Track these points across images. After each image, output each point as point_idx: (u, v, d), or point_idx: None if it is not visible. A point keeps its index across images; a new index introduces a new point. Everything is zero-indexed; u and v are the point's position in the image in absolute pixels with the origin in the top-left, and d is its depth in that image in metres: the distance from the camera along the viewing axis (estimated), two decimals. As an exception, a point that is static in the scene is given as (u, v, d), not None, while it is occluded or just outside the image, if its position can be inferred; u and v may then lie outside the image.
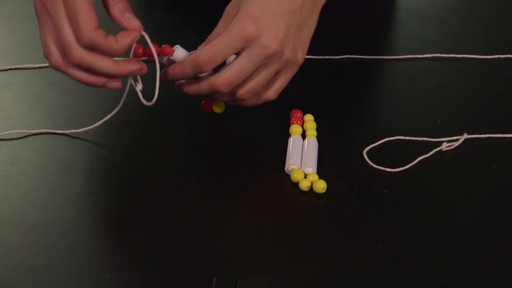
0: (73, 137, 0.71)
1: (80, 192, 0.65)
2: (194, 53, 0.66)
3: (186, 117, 0.74)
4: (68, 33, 0.61)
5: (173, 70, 0.66)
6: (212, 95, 0.67)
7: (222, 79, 0.64)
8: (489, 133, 0.70)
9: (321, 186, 0.64)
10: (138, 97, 0.66)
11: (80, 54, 0.61)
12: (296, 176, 0.65)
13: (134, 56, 0.64)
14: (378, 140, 0.69)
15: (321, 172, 0.66)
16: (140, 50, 0.65)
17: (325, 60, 0.83)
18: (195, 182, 0.66)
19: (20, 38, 0.88)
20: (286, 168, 0.66)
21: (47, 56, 0.64)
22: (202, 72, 0.65)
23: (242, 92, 0.66)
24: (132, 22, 0.64)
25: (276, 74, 0.66)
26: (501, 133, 0.70)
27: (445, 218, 0.62)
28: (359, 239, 0.60)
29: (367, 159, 0.67)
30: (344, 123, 0.73)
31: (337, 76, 0.81)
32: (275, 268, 0.58)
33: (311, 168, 0.66)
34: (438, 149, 0.68)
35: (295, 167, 0.66)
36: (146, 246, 0.60)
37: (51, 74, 0.81)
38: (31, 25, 0.90)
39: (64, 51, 0.62)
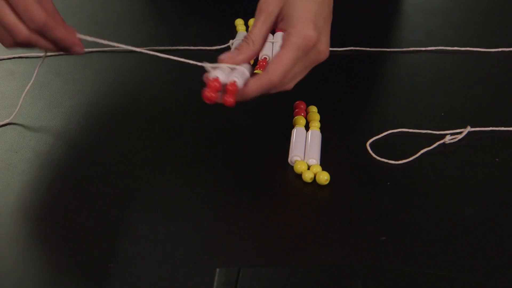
0: (76, 128, 0.71)
1: (84, 181, 0.65)
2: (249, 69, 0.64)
3: (190, 108, 0.74)
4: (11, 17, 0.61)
5: (243, 95, 0.62)
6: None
7: (278, 78, 0.62)
8: (492, 126, 0.70)
9: (324, 177, 0.64)
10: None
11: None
12: (299, 167, 0.65)
13: (209, 90, 0.61)
14: (382, 132, 0.70)
15: (324, 163, 0.66)
16: (217, 84, 0.61)
17: (329, 52, 0.82)
18: (199, 173, 0.66)
19: (24, 27, 0.88)
20: (290, 159, 0.66)
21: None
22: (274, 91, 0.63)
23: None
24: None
25: None
26: (505, 126, 0.70)
27: (448, 210, 0.62)
28: (362, 230, 0.60)
29: (370, 151, 0.67)
30: (348, 115, 0.73)
31: (341, 68, 0.81)
32: (278, 258, 0.58)
33: (314, 159, 0.66)
34: (442, 141, 0.68)
35: (298, 159, 0.66)
36: (149, 236, 0.60)
37: (55, 63, 0.81)
38: (34, 14, 0.90)
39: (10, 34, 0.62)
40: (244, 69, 0.63)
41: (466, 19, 0.92)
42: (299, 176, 0.65)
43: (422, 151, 0.67)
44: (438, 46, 0.83)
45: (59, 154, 0.68)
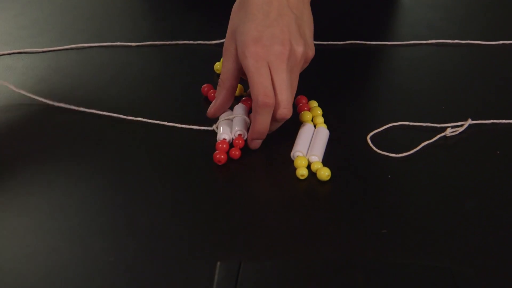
0: (78, 123, 0.71)
1: (84, 176, 0.65)
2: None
3: (190, 102, 0.74)
4: None
5: (257, 133, 0.66)
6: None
7: (288, 108, 0.65)
8: (493, 119, 0.70)
9: (325, 173, 0.64)
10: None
11: None
12: (298, 163, 0.65)
13: (219, 152, 0.66)
14: (382, 126, 0.69)
15: (325, 157, 0.66)
16: (225, 145, 0.67)
17: (329, 45, 0.82)
18: (200, 167, 0.66)
19: (23, 23, 0.88)
20: (292, 154, 0.66)
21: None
22: (273, 107, 0.65)
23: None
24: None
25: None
26: (506, 119, 0.70)
27: (449, 203, 0.62)
28: (363, 224, 0.60)
29: (371, 145, 0.67)
30: (348, 109, 0.73)
31: (341, 62, 0.81)
32: (279, 253, 0.58)
33: (316, 156, 0.65)
34: (442, 134, 0.68)
35: (300, 154, 0.66)
36: (150, 230, 0.60)
37: (54, 59, 0.81)
38: (34, 10, 0.90)
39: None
40: (243, 116, 0.68)
41: (467, 12, 0.91)
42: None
43: (422, 144, 0.67)
44: (439, 39, 0.83)
45: (59, 150, 0.68)
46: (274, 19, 0.65)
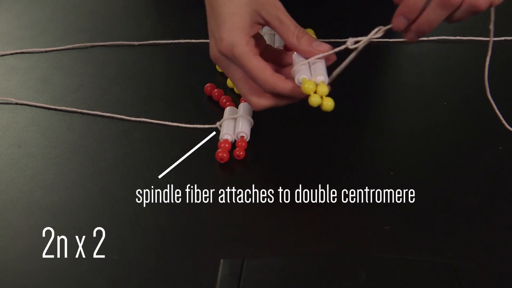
0: (80, 120, 0.71)
1: (87, 175, 0.65)
2: None
3: (192, 100, 0.74)
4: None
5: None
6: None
7: None
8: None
9: (328, 103, 0.59)
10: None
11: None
12: (308, 87, 0.59)
13: (221, 151, 0.66)
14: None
15: (326, 158, 0.66)
16: (227, 145, 0.67)
17: (329, 43, 0.82)
18: (201, 164, 0.66)
19: (26, 22, 0.88)
20: (297, 79, 0.60)
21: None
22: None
23: None
24: (322, 47, 0.63)
25: None
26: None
27: (452, 199, 0.62)
28: (365, 220, 0.60)
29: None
30: (348, 107, 0.73)
31: (342, 59, 0.80)
32: (281, 249, 0.58)
33: (322, 76, 0.60)
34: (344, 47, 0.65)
35: (305, 77, 0.60)
36: (153, 227, 0.60)
37: (57, 58, 0.81)
38: (36, 10, 0.91)
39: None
40: (247, 117, 0.68)
41: (468, 9, 0.91)
42: (302, 169, 0.65)
43: (425, 141, 0.67)
44: (440, 36, 0.83)
45: (62, 149, 0.68)
46: None
